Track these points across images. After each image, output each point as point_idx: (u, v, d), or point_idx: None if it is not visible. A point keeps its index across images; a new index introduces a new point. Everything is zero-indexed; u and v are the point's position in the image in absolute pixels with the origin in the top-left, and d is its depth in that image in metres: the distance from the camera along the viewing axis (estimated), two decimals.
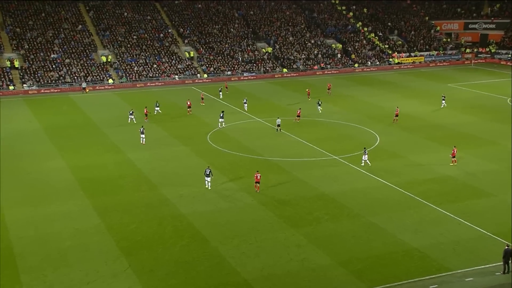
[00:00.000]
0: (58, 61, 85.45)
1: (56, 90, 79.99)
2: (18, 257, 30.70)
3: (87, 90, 78.87)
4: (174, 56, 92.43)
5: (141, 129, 52.78)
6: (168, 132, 57.08)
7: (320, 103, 65.27)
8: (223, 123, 58.02)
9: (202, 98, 70.77)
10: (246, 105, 66.60)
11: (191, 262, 30.56)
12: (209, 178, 40.98)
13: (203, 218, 36.14)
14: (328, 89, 77.33)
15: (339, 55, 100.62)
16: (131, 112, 60.85)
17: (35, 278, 28.74)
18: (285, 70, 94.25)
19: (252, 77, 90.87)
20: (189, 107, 65.19)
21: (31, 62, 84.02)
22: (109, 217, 36.26)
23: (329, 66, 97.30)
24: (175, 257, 31.08)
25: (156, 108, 65.05)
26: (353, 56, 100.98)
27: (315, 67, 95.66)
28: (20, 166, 46.21)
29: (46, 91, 79.43)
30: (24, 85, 79.43)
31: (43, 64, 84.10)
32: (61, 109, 68.82)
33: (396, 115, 60.51)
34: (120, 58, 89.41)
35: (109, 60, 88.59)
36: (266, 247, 32.14)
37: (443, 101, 66.51)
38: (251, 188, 41.12)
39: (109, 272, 29.47)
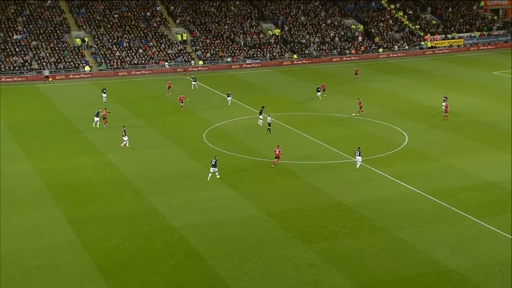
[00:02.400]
0: (23, 43, 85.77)
1: (20, 79, 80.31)
2: None
3: (50, 79, 78.86)
4: (164, 39, 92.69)
5: (123, 130, 51.81)
6: (156, 129, 57.24)
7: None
8: (261, 121, 57.69)
9: (169, 88, 71.24)
10: (230, 99, 65.88)
11: (183, 284, 30.64)
12: (215, 168, 43.64)
13: (197, 231, 36.24)
14: (356, 74, 78.79)
15: (360, 38, 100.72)
16: (97, 112, 58.14)
17: None
18: (295, 56, 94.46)
19: (256, 65, 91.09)
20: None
21: None
22: (86, 231, 36.33)
23: (347, 51, 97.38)
24: (164, 278, 31.15)
25: (104, 96, 66.38)
26: (377, 39, 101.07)
27: (353, 51, 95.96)
28: None
29: (7, 79, 79.73)
30: None
31: (3, 47, 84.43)
32: (27, 102, 69.03)
33: (446, 110, 59.88)
34: (99, 41, 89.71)
35: (85, 43, 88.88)
36: (272, 267, 32.22)
37: (444, 103, 60.96)
38: (255, 196, 41.26)
39: None
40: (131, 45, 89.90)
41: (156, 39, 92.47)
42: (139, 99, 70.12)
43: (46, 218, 37.89)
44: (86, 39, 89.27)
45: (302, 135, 55.39)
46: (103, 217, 38.18)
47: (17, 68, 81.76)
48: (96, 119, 57.93)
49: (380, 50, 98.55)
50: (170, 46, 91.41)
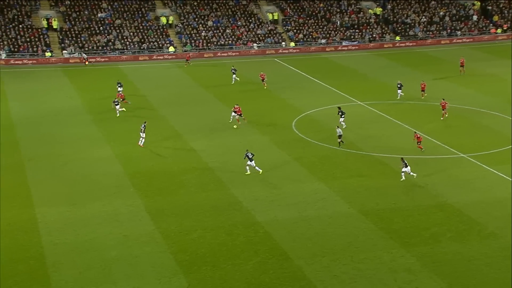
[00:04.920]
0: (107, 22, 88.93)
1: (103, 59, 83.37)
2: (51, 269, 32.18)
3: (87, 63, 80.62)
4: (253, 19, 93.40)
5: (143, 126, 49.66)
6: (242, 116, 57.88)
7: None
8: (343, 123, 52.83)
9: (263, 80, 68.17)
10: (233, 115, 55.34)
11: (267, 284, 30.94)
12: (253, 162, 43.34)
13: (284, 228, 36.45)
14: (461, 66, 73.15)
15: (475, 17, 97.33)
16: (114, 102, 58.60)
17: None
18: (398, 38, 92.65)
19: (354, 47, 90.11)
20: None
21: (73, 23, 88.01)
22: (166, 222, 37.35)
23: (459, 32, 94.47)
24: (247, 277, 31.56)
25: (119, 89, 63.82)
26: (496, 18, 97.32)
27: (493, 30, 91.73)
28: (56, 154, 48.60)
29: (91, 59, 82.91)
30: (64, 51, 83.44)
31: (87, 26, 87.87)
32: (109, 84, 71.47)
33: None
34: (185, 20, 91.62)
35: (170, 22, 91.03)
36: (365, 270, 31.97)
37: None
38: (348, 192, 41.01)
39: None
40: (218, 24, 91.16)
41: (245, 18, 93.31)
42: (224, 82, 70.95)
43: (126, 207, 39.27)
44: (171, 18, 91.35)
45: (402, 126, 54.41)
46: (184, 208, 39.12)
47: (100, 47, 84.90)
48: (118, 109, 58.18)
49: (499, 30, 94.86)
50: (260, 26, 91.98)
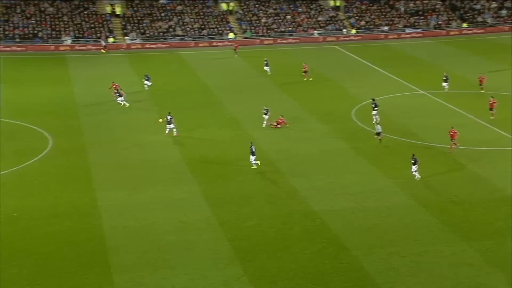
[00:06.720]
0: (168, 8, 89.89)
1: (164, 45, 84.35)
2: (111, 252, 32.95)
3: (104, 51, 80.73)
4: (315, 5, 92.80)
5: (169, 117, 49.29)
6: (301, 104, 57.70)
7: None
8: (377, 117, 50.30)
9: (306, 72, 65.59)
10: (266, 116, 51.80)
11: (324, 274, 30.84)
12: (253, 157, 42.82)
13: (341, 218, 36.25)
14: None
15: None
16: (115, 93, 58.07)
17: (130, 279, 30.70)
18: (465, 25, 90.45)
19: (417, 35, 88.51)
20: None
21: (135, 9, 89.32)
22: (223, 209, 37.62)
23: None
24: (303, 266, 31.52)
25: (146, 83, 63.03)
26: None
27: None
28: (117, 139, 49.59)
29: (152, 45, 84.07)
30: (126, 37, 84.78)
31: (149, 12, 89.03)
32: (169, 70, 72.41)
33: None
34: (245, 6, 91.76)
35: (230, 8, 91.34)
36: (424, 263, 31.50)
37: None
38: (408, 184, 40.44)
39: (219, 279, 30.64)
40: (279, 11, 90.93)
41: (306, 4, 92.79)
42: (285, 71, 70.66)
43: (183, 193, 39.74)
44: (232, 4, 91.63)
45: (467, 117, 53.33)
46: (240, 196, 39.33)
47: (161, 34, 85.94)
48: (120, 100, 57.37)
49: None
50: (321, 13, 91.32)
